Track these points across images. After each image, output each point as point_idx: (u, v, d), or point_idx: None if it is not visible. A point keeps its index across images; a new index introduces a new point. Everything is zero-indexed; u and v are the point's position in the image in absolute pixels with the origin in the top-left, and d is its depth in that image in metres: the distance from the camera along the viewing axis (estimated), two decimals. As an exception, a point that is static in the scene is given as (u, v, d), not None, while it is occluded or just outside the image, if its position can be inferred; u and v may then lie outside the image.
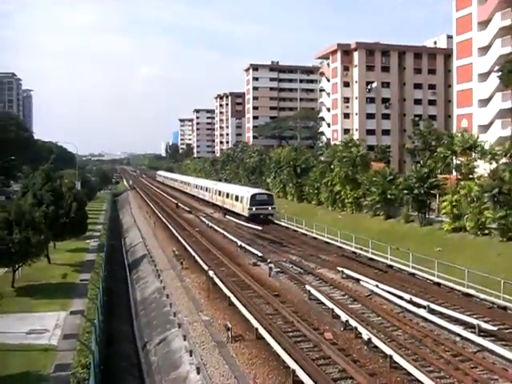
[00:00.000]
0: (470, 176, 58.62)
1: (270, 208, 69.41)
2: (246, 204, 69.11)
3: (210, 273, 37.94)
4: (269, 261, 43.13)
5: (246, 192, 72.45)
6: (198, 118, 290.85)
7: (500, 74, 69.87)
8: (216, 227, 63.79)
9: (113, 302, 39.44)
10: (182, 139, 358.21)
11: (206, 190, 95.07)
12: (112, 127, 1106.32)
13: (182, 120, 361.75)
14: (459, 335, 25.88)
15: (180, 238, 56.34)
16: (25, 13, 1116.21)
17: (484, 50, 77.34)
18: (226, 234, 58.32)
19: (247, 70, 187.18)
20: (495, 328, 26.16)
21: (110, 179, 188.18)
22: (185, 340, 27.18)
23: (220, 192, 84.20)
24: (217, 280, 36.46)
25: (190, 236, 58.23)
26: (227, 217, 75.12)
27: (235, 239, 53.93)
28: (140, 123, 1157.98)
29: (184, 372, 24.23)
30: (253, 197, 69.30)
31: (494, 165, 57.57)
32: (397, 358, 22.44)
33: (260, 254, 46.05)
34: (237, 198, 74.03)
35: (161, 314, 34.17)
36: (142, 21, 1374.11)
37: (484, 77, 77.28)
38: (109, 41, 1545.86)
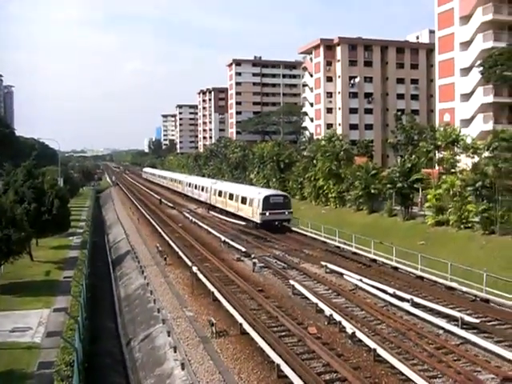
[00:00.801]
0: (453, 170, 58.91)
1: (286, 213, 58.17)
2: (258, 208, 57.81)
3: (194, 268, 37.88)
4: (253, 256, 43.12)
5: (257, 193, 60.73)
6: (180, 113, 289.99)
7: (481, 68, 70.23)
8: (200, 223, 63.74)
9: (97, 298, 39.23)
10: (164, 135, 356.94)
11: (202, 189, 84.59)
12: (95, 123, 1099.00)
13: (164, 116, 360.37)
14: (442, 328, 26.05)
15: (163, 233, 56.21)
16: (11, 6, 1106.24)
17: (466, 44, 77.66)
18: (209, 229, 58.31)
19: (230, 65, 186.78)
20: (478, 320, 26.36)
21: (92, 176, 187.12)
22: (169, 336, 27.10)
23: (221, 192, 73.17)
24: (201, 276, 36.40)
25: (173, 232, 58.12)
26: (211, 212, 74.93)
27: (219, 235, 53.93)
28: (123, 119, 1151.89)
29: (168, 368, 24.17)
30: (266, 199, 57.79)
31: (476, 159, 57.95)
32: (381, 351, 22.53)
33: (244, 249, 46.07)
34: (244, 201, 62.63)
35: (145, 310, 34.07)
36: (128, 15, 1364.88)
37: (466, 71, 77.61)
38: (94, 36, 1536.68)
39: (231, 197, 68.01)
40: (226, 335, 26.35)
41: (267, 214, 57.14)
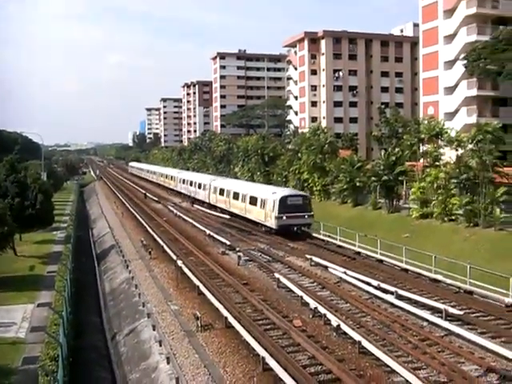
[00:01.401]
0: (437, 163, 59.18)
1: (306, 216, 49.97)
2: (272, 210, 49.51)
3: (179, 262, 37.80)
4: (237, 249, 43.14)
5: (271, 193, 52.09)
6: (165, 107, 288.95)
7: (465, 62, 70.57)
8: (184, 216, 63.54)
9: (81, 293, 39.05)
10: (149, 128, 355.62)
11: (200, 186, 76.04)
12: (78, 117, 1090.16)
13: (148, 109, 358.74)
14: (427, 320, 26.17)
15: (148, 227, 56.04)
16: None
17: (450, 38, 78.02)
18: (194, 223, 58.15)
19: (214, 58, 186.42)
20: (461, 312, 26.51)
21: (76, 170, 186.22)
22: (154, 330, 27.05)
23: (223, 191, 64.92)
24: (185, 269, 36.32)
25: (158, 226, 57.94)
26: (195, 206, 74.76)
27: (203, 228, 53.83)
28: (107, 112, 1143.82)
29: (154, 362, 24.13)
30: (283, 200, 49.68)
31: (460, 152, 58.22)
32: (365, 343, 22.60)
33: (228, 243, 46.00)
34: (253, 201, 54.36)
35: (130, 304, 33.98)
36: (115, 8, 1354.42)
37: (450, 65, 78.00)
38: (79, 29, 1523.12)
39: (236, 196, 59.58)
40: (211, 329, 26.32)
41: (284, 217, 48.87)
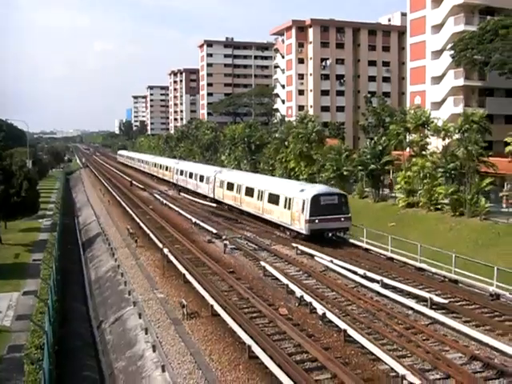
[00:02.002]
0: (423, 152, 59.42)
1: (342, 218, 41.71)
2: (302, 212, 41.10)
3: (165, 250, 37.74)
4: (224, 237, 43.08)
5: (299, 191, 43.31)
6: (151, 94, 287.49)
7: (452, 52, 70.69)
8: (170, 204, 63.37)
9: (67, 281, 38.91)
10: (135, 116, 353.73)
11: (202, 179, 67.97)
12: (65, 104, 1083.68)
13: (135, 97, 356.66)
14: (412, 308, 26.32)
15: (134, 215, 55.84)
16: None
17: (437, 27, 78.03)
18: (180, 211, 58.00)
19: (201, 46, 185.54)
20: (446, 301, 26.67)
21: (62, 157, 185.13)
22: (140, 318, 27.02)
23: (232, 185, 56.69)
24: (171, 257, 36.27)
25: (144, 214, 57.78)
26: (182, 194, 74.55)
27: (190, 216, 53.70)
28: (93, 100, 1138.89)
29: (140, 350, 24.12)
30: (315, 200, 41.20)
31: (447, 141, 58.49)
32: (351, 331, 22.69)
33: (215, 231, 45.96)
34: (274, 199, 46.04)
35: (116, 292, 33.92)
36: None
37: (437, 54, 78.06)
38: (67, 16, 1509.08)
39: (250, 192, 51.51)
40: (197, 317, 26.33)
41: (317, 221, 40.65)
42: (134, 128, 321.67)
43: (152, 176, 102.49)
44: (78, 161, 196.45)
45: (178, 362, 21.71)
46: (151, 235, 44.93)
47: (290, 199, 43.28)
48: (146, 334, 24.90)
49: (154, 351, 22.89)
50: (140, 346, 24.45)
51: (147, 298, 30.11)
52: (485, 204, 48.75)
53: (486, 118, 55.79)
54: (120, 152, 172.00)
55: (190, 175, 73.91)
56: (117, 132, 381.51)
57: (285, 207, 44.01)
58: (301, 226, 41.53)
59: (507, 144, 49.61)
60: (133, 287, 32.40)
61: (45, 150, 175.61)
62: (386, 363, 20.04)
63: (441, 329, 24.09)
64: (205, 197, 65.61)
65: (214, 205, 61.03)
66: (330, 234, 42.44)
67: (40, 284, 29.15)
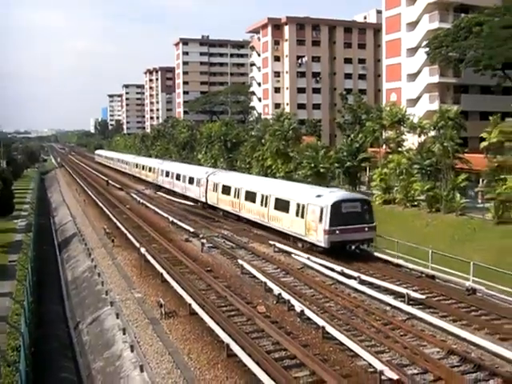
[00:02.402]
0: (399, 149, 59.78)
1: (366, 228, 36.22)
2: (320, 221, 35.49)
3: (142, 250, 37.53)
4: (201, 236, 42.94)
5: (315, 196, 37.58)
6: (127, 93, 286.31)
7: (427, 49, 71.24)
8: (147, 204, 63.04)
9: (43, 282, 38.57)
10: (111, 115, 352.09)
11: (191, 181, 62.23)
12: (39, 103, 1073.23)
13: (111, 95, 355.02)
14: (389, 304, 26.42)
15: (111, 215, 55.44)
16: None
17: (412, 25, 78.66)
18: (157, 210, 57.71)
19: (177, 44, 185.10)
20: (423, 296, 26.82)
21: (37, 157, 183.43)
22: (117, 318, 26.81)
23: (228, 188, 51.38)
24: (149, 257, 36.07)
25: (121, 213, 57.39)
26: (159, 193, 74.18)
27: (167, 215, 53.46)
28: (69, 99, 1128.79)
29: (117, 351, 23.93)
30: (336, 207, 35.66)
31: (422, 138, 58.90)
32: (329, 328, 22.72)
33: (192, 230, 45.82)
34: (284, 206, 40.36)
35: (92, 292, 33.63)
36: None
37: (412, 52, 78.67)
38: (41, 14, 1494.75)
39: (251, 197, 46.12)
40: (175, 316, 26.18)
41: (337, 231, 35.09)
42: (110, 127, 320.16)
43: (133, 177, 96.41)
44: (53, 160, 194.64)
45: (157, 361, 21.58)
46: (128, 235, 44.64)
47: (303, 206, 37.53)
48: (124, 334, 24.71)
49: (132, 351, 22.73)
50: (118, 346, 24.26)
51: (124, 297, 29.90)
52: (460, 200, 49.18)
53: (461, 114, 56.32)
54: (98, 152, 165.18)
55: (178, 177, 68.11)
56: (92, 131, 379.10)
57: (297, 215, 38.19)
58: (318, 238, 35.69)
59: (482, 140, 50.05)
60: (110, 287, 32.14)
61: (19, 149, 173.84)
62: (364, 359, 20.08)
63: (418, 324, 24.23)
64: (195, 201, 60.73)
65: (191, 203, 60.73)
66: (353, 247, 36.54)
67: (16, 285, 28.82)
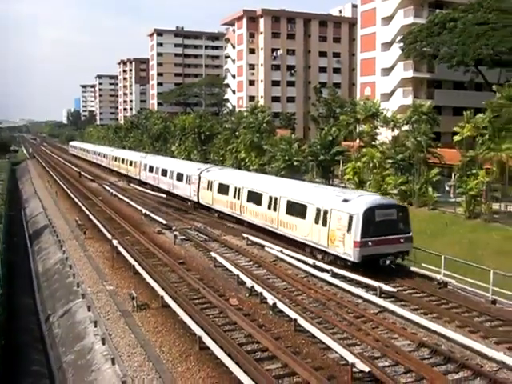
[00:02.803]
0: (373, 143, 60.08)
1: (402, 239, 31.21)
2: (349, 231, 30.34)
3: (114, 242, 37.24)
4: (174, 228, 42.76)
5: (342, 201, 32.07)
6: (100, 84, 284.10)
7: (402, 44, 71.64)
8: (120, 195, 62.56)
9: (14, 274, 38.15)
10: (84, 106, 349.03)
11: (179, 178, 57.14)
12: (10, 93, 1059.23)
13: (83, 86, 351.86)
14: (361, 297, 26.56)
15: (83, 207, 54.91)
16: None
17: (387, 19, 79.02)
18: (130, 202, 57.26)
19: (151, 35, 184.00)
20: (395, 290, 26.99)
21: (8, 148, 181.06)
22: (89, 311, 26.56)
23: (227, 188, 45.88)
24: (121, 249, 35.80)
25: (93, 205, 56.89)
26: (132, 185, 73.67)
27: (140, 207, 53.10)
28: (41, 89, 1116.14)
29: (89, 343, 23.72)
30: (369, 214, 30.53)
31: (396, 132, 59.27)
32: (301, 321, 22.76)
33: (165, 222, 45.60)
34: (299, 211, 35.14)
35: (64, 285, 33.28)
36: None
37: (387, 46, 79.05)
38: (10, 3, 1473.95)
39: (256, 198, 40.89)
40: (147, 308, 26.04)
41: (370, 243, 29.96)
42: (83, 118, 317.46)
43: (111, 171, 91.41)
44: (24, 151, 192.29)
45: (128, 354, 21.44)
46: (100, 227, 44.27)
47: (325, 212, 32.26)
48: (96, 326, 24.49)
49: (104, 344, 22.55)
50: (89, 339, 24.04)
51: (96, 290, 29.65)
52: (433, 194, 49.63)
53: (434, 109, 56.78)
54: (72, 143, 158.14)
55: (164, 173, 62.29)
56: (65, 122, 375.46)
57: (316, 222, 32.94)
58: (346, 251, 30.44)
59: (455, 135, 50.50)
60: (81, 279, 31.84)
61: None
62: (336, 352, 20.15)
63: (390, 317, 24.39)
64: (184, 199, 56.25)
65: (165, 196, 60.30)
66: (388, 262, 30.49)
67: (-15, 278, 28.51)
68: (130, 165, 78.33)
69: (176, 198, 58.15)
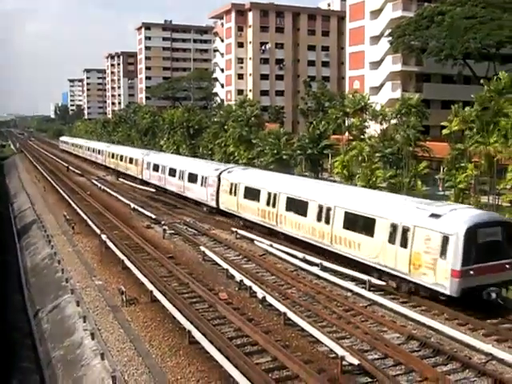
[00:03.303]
0: (362, 136, 60.08)
1: (508, 265, 24.54)
2: (444, 257, 23.90)
3: (103, 236, 37.13)
4: (163, 223, 42.69)
5: (429, 216, 25.54)
6: (88, 78, 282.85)
7: (390, 38, 71.64)
8: (109, 190, 62.37)
9: (2, 270, 37.98)
10: (72, 100, 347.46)
11: (193, 179, 50.58)
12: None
13: (71, 80, 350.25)
14: (351, 291, 26.63)
15: (71, 201, 54.69)
16: None
17: (376, 13, 78.89)
18: (119, 196, 57.16)
19: (139, 28, 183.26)
20: (384, 283, 27.05)
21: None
22: (78, 306, 26.47)
23: (259, 194, 38.94)
24: (110, 244, 35.71)
25: (81, 200, 56.68)
26: (121, 179, 73.40)
27: (128, 202, 52.97)
28: (28, 83, 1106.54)
29: (78, 338, 23.64)
30: (470, 235, 23.87)
31: (385, 126, 59.28)
32: (291, 314, 22.79)
33: (154, 217, 45.52)
34: (362, 225, 29.07)
35: (52, 280, 33.14)
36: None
37: (375, 40, 78.96)
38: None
39: (299, 207, 34.56)
40: (136, 303, 26.00)
41: (472, 272, 23.63)
42: (71, 112, 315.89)
43: (106, 168, 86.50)
44: (12, 146, 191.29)
45: (118, 349, 21.41)
46: (89, 221, 44.12)
47: (406, 229, 25.90)
48: (85, 321, 24.41)
49: (93, 339, 22.49)
50: (78, 334, 23.96)
51: (85, 285, 29.55)
52: (421, 187, 49.68)
53: (422, 102, 56.80)
54: (63, 138, 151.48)
55: (172, 172, 56.07)
56: (52, 116, 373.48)
57: (391, 241, 26.59)
58: (438, 281, 24.17)
59: (443, 128, 50.58)
60: (70, 275, 31.70)
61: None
62: (325, 345, 20.22)
63: (379, 310, 24.50)
64: (197, 203, 50.69)
65: (153, 190, 60.13)
66: (494, 295, 23.82)
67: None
68: (130, 162, 72.26)
69: (188, 201, 53.16)
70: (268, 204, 37.65)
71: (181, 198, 54.46)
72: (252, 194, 40.08)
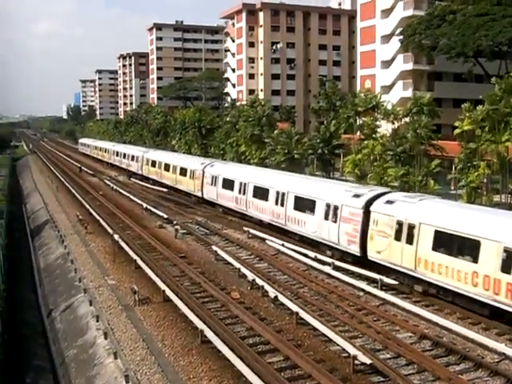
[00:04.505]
0: (373, 136, 59.94)
1: None
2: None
3: (116, 236, 37.29)
4: (175, 222, 42.83)
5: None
6: (100, 78, 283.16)
7: (401, 37, 71.41)
8: (121, 190, 62.60)
9: (16, 270, 38.20)
10: (84, 101, 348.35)
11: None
12: (10, 88, 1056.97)
13: (83, 81, 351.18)
14: (363, 290, 26.61)
15: (84, 202, 54.97)
16: None
17: (387, 12, 78.67)
18: (131, 196, 57.35)
19: (151, 29, 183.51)
20: (396, 282, 27.02)
21: (8, 143, 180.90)
22: (91, 305, 26.63)
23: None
24: (122, 243, 35.86)
25: (94, 200, 56.95)
26: (132, 179, 73.64)
27: (141, 202, 53.16)
28: (41, 84, 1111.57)
29: (91, 337, 23.78)
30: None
31: (396, 125, 59.15)
32: (303, 314, 22.82)
33: (166, 216, 45.65)
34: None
35: (66, 280, 33.34)
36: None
37: (387, 39, 78.73)
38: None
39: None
40: (149, 303, 26.11)
41: None
42: (83, 113, 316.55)
43: (146, 178, 71.96)
44: (25, 147, 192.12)
45: (131, 348, 21.51)
46: (101, 221, 44.33)
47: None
48: (98, 321, 24.56)
49: (106, 338, 22.62)
50: (91, 333, 24.11)
51: (98, 284, 29.72)
52: (434, 186, 49.51)
53: (434, 101, 56.61)
54: (83, 140, 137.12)
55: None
56: (65, 117, 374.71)
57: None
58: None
59: (455, 127, 50.39)
60: (83, 274, 31.89)
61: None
62: (337, 344, 20.24)
63: (391, 309, 24.47)
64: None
65: (165, 190, 60.35)
66: None
67: (-13, 273, 28.55)
68: (181, 174, 59.52)
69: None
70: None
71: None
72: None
